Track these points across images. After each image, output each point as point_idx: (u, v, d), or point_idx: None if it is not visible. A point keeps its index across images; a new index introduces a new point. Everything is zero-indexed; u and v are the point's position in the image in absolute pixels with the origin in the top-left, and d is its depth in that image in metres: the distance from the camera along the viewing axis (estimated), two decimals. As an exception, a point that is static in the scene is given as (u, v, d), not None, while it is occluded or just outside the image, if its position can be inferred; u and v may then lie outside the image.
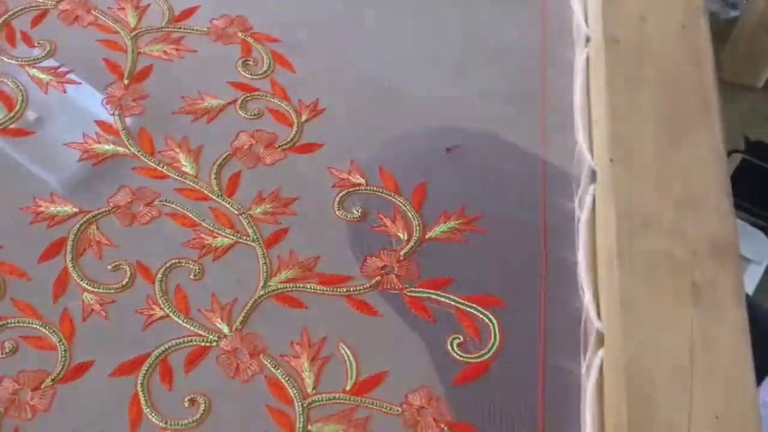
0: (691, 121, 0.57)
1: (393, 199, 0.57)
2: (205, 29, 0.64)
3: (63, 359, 0.49)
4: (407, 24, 0.67)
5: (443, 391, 0.50)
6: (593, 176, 0.57)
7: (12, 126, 0.58)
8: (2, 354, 0.49)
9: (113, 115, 0.58)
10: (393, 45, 0.65)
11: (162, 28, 0.63)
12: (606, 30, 0.61)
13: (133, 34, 0.63)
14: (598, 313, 0.52)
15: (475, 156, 0.60)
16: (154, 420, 0.47)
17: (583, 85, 0.61)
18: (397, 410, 0.49)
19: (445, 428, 0.48)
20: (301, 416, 0.48)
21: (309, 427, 0.48)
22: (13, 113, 0.58)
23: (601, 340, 0.51)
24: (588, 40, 0.63)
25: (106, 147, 0.57)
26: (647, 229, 0.52)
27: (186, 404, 0.48)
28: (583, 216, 0.56)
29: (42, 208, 0.54)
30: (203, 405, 0.48)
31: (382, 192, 0.57)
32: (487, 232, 0.56)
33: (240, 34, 0.64)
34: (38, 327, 0.50)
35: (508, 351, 0.51)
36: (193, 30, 0.64)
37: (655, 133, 0.56)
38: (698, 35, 0.60)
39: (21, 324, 0.50)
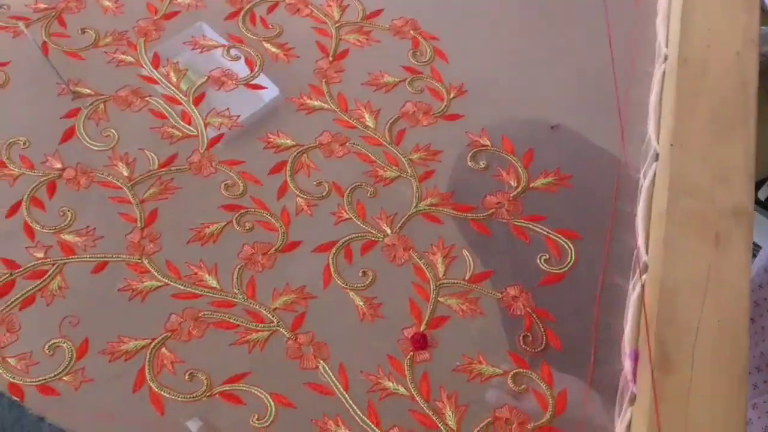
0: (733, 126, 0.78)
1: (509, 158, 0.80)
2: (387, 26, 0.89)
3: (282, 238, 0.74)
4: (525, 41, 0.90)
5: (531, 288, 0.73)
6: (656, 157, 0.79)
7: (252, 82, 0.84)
8: (244, 230, 0.75)
9: (321, 82, 0.84)
10: (521, 54, 0.89)
11: (357, 22, 0.89)
12: (680, 52, 0.83)
13: (337, 24, 0.88)
14: (647, 251, 0.74)
15: (572, 135, 0.83)
16: (339, 282, 0.72)
17: (657, 93, 0.83)
18: (498, 295, 0.72)
19: (530, 311, 0.71)
20: (434, 291, 0.72)
21: (439, 299, 0.72)
22: (253, 73, 0.85)
23: (646, 268, 0.73)
24: (665, 58, 0.85)
25: (315, 103, 0.83)
26: (689, 195, 0.74)
27: (360, 274, 0.73)
28: (645, 183, 0.78)
29: (271, 138, 0.80)
30: (371, 276, 0.73)
31: (501, 152, 0.80)
32: (573, 188, 0.79)
33: (411, 32, 0.88)
34: (267, 216, 0.76)
35: (579, 268, 0.74)
36: (378, 26, 0.89)
37: (704, 130, 0.78)
38: (749, 61, 0.81)
39: (256, 213, 0.76)
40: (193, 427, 0.64)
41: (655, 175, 0.78)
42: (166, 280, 0.71)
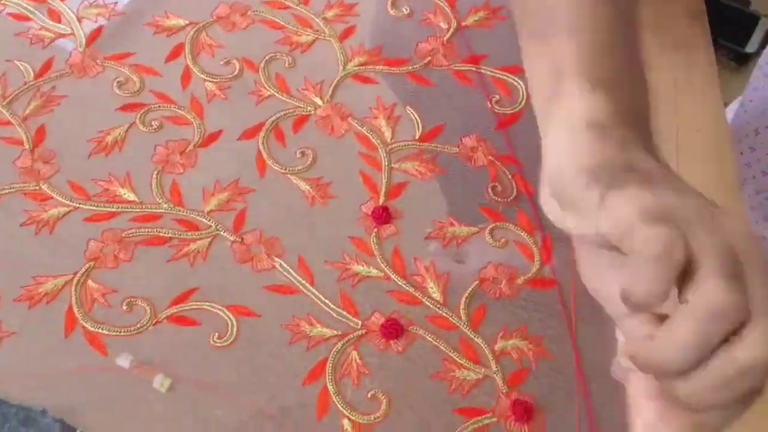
0: None
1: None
2: None
3: (199, 131, 0.64)
4: None
5: (488, 134, 0.65)
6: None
7: None
8: (152, 130, 0.64)
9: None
10: None
11: None
12: None
13: None
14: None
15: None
16: (276, 168, 0.63)
17: None
18: (455, 149, 0.65)
19: (492, 158, 0.64)
20: (386, 158, 0.64)
21: (393, 165, 0.63)
22: None
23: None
24: None
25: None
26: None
27: (298, 155, 0.63)
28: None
29: (159, 22, 0.68)
30: (311, 154, 0.63)
31: (424, -6, 0.72)
32: (508, 20, 0.71)
33: None
34: (175, 110, 0.65)
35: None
36: None
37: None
38: None
39: (162, 108, 0.65)
40: (124, 363, 0.54)
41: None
42: (74, 204, 0.60)
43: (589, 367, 0.56)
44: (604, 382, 0.56)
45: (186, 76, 0.66)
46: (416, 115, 0.66)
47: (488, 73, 0.68)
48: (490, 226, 0.61)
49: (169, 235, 0.59)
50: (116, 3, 0.69)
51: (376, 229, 0.60)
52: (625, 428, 0.54)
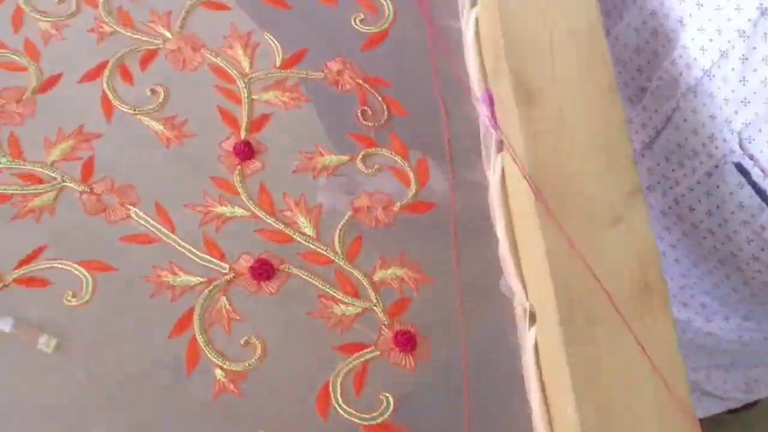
0: None
1: None
2: None
3: (36, 75, 0.58)
4: None
5: (354, 56, 0.61)
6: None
7: None
8: (-18, 77, 0.58)
9: None
10: None
11: None
12: None
13: None
14: (469, -18, 0.63)
15: None
16: (124, 110, 0.57)
17: None
18: (320, 75, 0.60)
19: (360, 81, 0.60)
20: (245, 89, 0.59)
21: (253, 96, 0.59)
22: None
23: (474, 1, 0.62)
24: None
25: None
26: None
27: (148, 94, 0.58)
28: None
29: None
30: (162, 92, 0.58)
31: None
32: (369, -67, 0.66)
33: None
34: (8, 55, 0.58)
35: (400, 21, 0.63)
36: None
37: None
38: None
39: (-8, 54, 0.59)
40: (5, 327, 0.50)
41: None
42: None
43: (471, 290, 0.54)
44: (487, 302, 0.53)
45: (17, 17, 0.60)
46: (275, 41, 0.61)
47: (350, -10, 0.63)
48: (362, 153, 0.58)
49: (11, 192, 0.54)
50: None
51: (239, 167, 0.56)
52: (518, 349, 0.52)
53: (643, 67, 0.71)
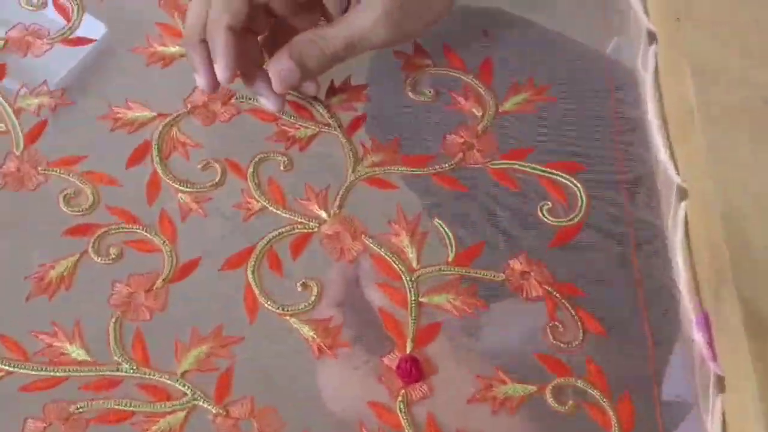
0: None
1: (462, 77, 0.57)
2: None
3: (170, 259, 0.49)
4: None
5: (541, 254, 0.51)
6: (653, 38, 0.58)
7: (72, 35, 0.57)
8: (110, 260, 0.49)
9: (173, 14, 0.58)
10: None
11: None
12: None
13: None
14: (677, 170, 0.53)
15: (532, 30, 0.60)
16: (270, 307, 0.48)
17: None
18: (500, 276, 0.50)
19: (549, 289, 0.50)
20: (412, 289, 0.49)
21: (421, 299, 0.49)
22: (70, 23, 0.57)
23: (684, 193, 0.52)
24: None
25: (171, 49, 0.57)
26: (719, 81, 0.53)
27: (299, 288, 0.49)
28: (648, 77, 0.57)
29: (119, 114, 0.54)
30: (315, 287, 0.49)
31: (449, 70, 0.57)
32: (556, 102, 0.57)
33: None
34: (140, 231, 0.50)
35: (595, 211, 0.53)
36: None
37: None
38: None
39: (122, 230, 0.50)
40: None
41: (657, 60, 0.57)
42: (7, 367, 0.45)
43: None
44: None
45: (153, 186, 0.52)
46: (448, 230, 0.51)
47: (536, 171, 0.54)
48: (553, 383, 0.47)
49: (132, 408, 0.45)
50: (63, 90, 0.54)
51: (403, 391, 0.46)
52: None
53: None
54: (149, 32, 0.57)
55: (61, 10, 0.58)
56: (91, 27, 0.57)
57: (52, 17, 0.57)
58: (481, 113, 0.56)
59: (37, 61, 0.56)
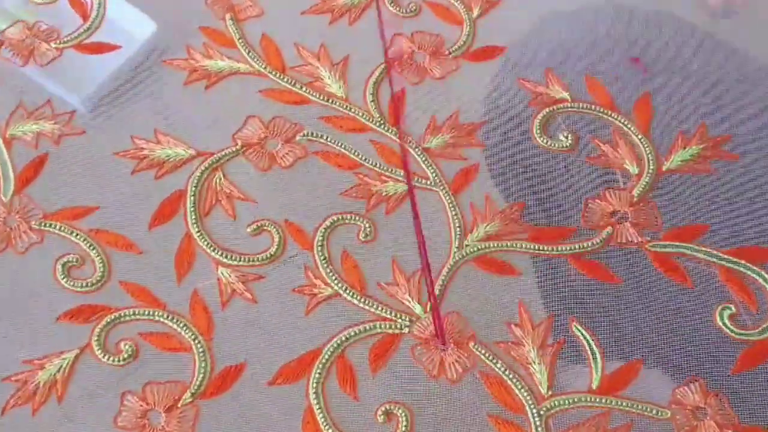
0: None
1: (610, 118, 0.42)
2: None
3: (202, 364, 0.35)
4: None
5: (721, 382, 0.36)
6: None
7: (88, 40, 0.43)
8: (120, 360, 0.35)
9: (225, 17, 0.43)
10: None
11: None
12: None
13: None
14: None
15: (707, 44, 0.45)
16: (334, 437, 0.34)
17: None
18: (665, 412, 0.35)
19: (734, 434, 0.35)
20: (539, 428, 0.35)
21: (556, 442, 0.34)
22: (89, 21, 0.43)
23: None
24: None
25: (219, 63, 0.42)
26: None
27: (380, 419, 0.35)
28: None
29: (145, 151, 0.40)
30: (405, 418, 0.35)
31: (595, 109, 0.42)
32: (739, 158, 0.41)
33: None
34: (161, 319, 0.36)
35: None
36: None
37: None
38: None
39: (137, 316, 0.36)
40: None
41: None
42: None
43: None
44: None
45: (185, 255, 0.38)
46: (590, 340, 0.36)
47: (714, 260, 0.38)
48: None
49: None
50: (72, 114, 0.40)
51: None
52: None
53: None
54: (190, 40, 0.42)
55: (76, 4, 0.43)
56: (116, 28, 0.43)
57: (65, 14, 0.43)
58: (637, 171, 0.40)
59: (41, 71, 0.41)
